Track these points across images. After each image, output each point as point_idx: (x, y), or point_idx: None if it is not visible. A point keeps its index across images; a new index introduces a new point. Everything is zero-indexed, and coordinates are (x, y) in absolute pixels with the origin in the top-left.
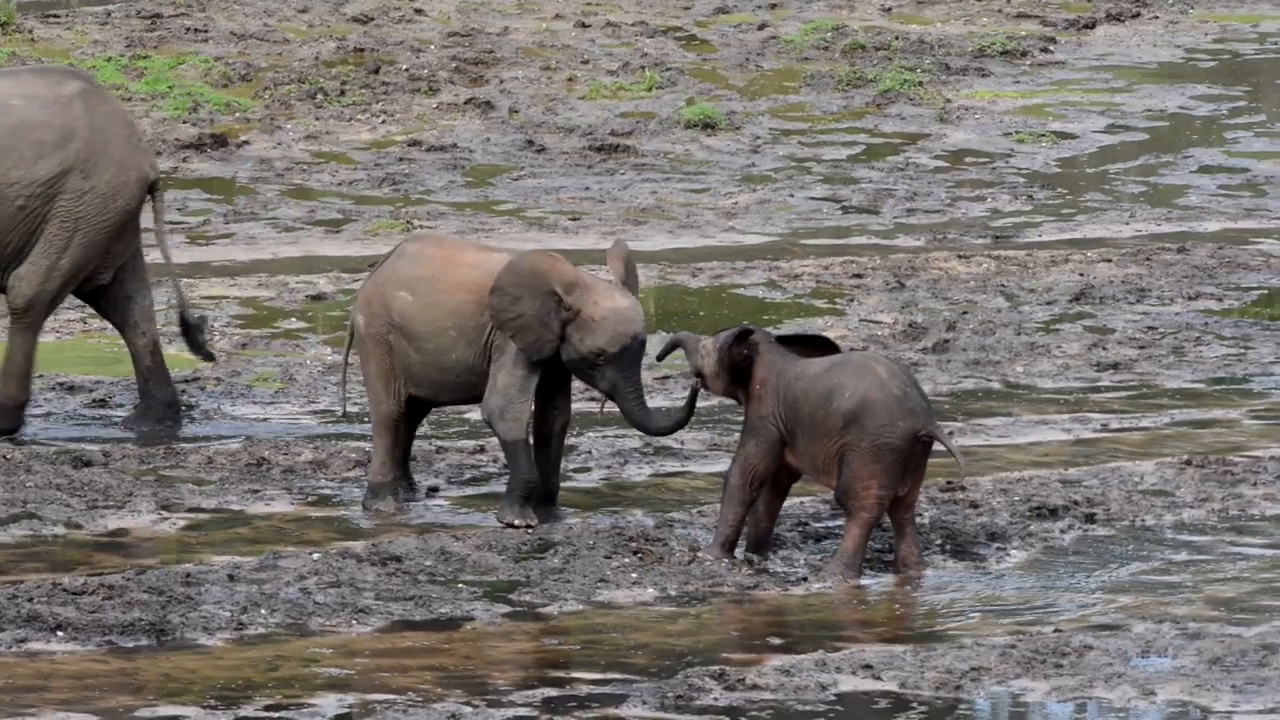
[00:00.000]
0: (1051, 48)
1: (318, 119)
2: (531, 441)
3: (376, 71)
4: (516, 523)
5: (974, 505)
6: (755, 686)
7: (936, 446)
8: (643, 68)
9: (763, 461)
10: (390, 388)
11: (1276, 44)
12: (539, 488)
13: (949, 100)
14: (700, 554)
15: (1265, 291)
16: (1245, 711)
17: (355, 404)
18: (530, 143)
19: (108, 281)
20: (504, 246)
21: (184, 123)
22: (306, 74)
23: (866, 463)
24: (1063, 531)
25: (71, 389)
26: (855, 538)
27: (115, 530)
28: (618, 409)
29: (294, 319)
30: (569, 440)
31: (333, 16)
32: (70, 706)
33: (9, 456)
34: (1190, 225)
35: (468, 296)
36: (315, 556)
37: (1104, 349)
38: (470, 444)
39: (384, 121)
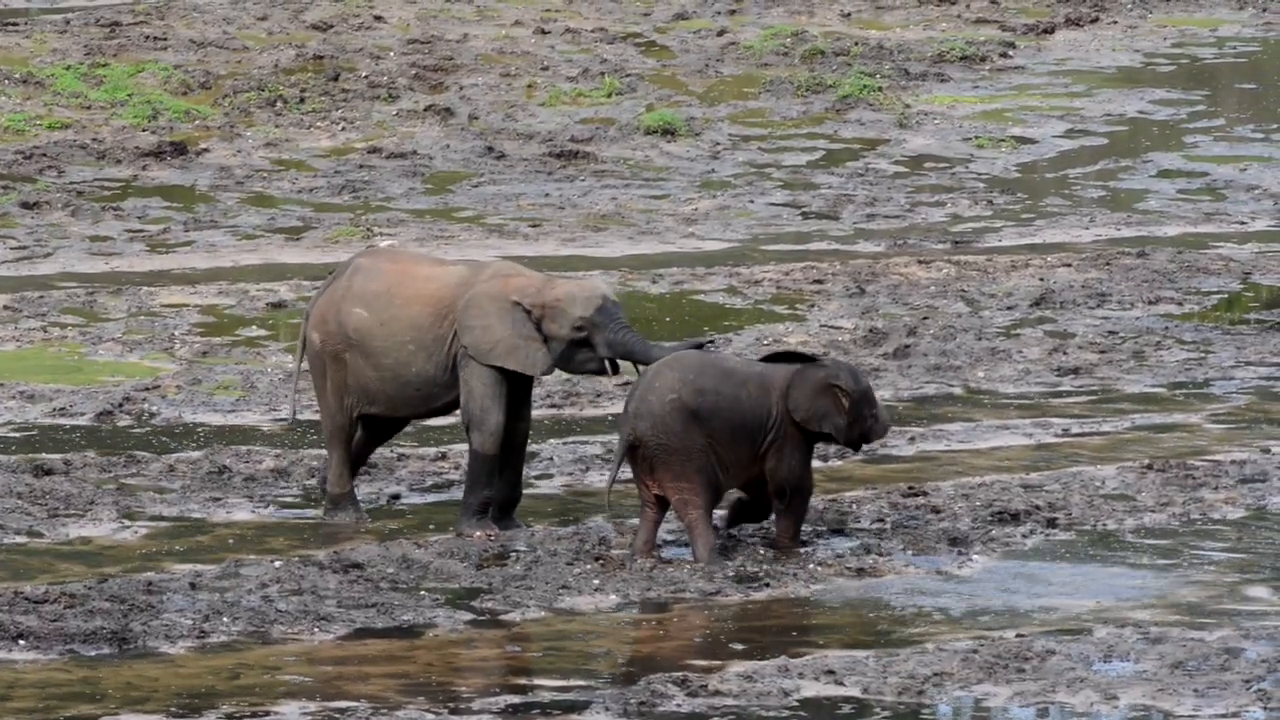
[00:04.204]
0: (1011, 53)
1: (277, 126)
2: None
3: (336, 79)
4: (478, 534)
5: (935, 510)
6: (718, 692)
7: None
8: (602, 74)
9: None
10: (343, 402)
11: (1235, 48)
12: (494, 501)
13: (908, 105)
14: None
15: (1225, 295)
16: (1207, 715)
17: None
18: (490, 149)
19: None
20: (457, 260)
21: (143, 130)
22: (266, 81)
23: None
24: (1024, 536)
25: (32, 398)
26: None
27: (76, 539)
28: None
29: (255, 326)
30: (530, 447)
31: (292, 24)
32: (33, 715)
33: None
34: (1150, 229)
35: (424, 309)
36: (277, 564)
37: (1064, 353)
38: (432, 451)
39: (344, 129)
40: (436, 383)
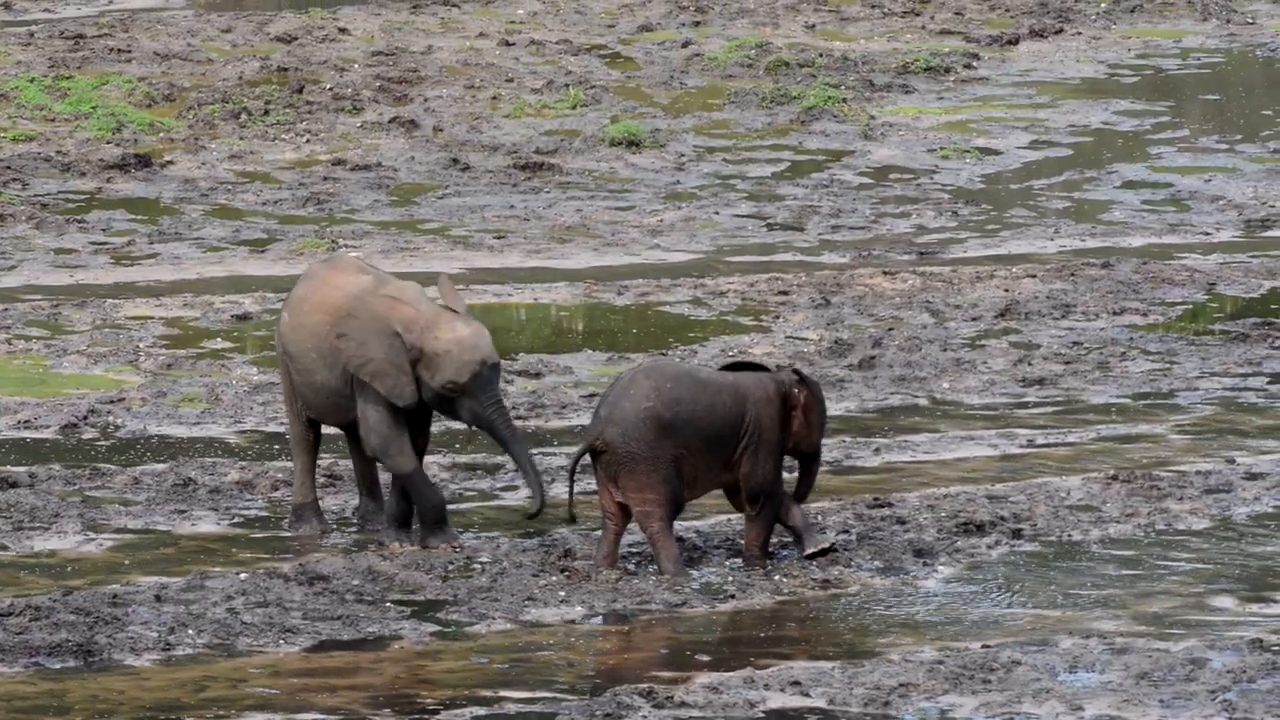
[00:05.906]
0: (975, 64)
1: (242, 138)
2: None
3: (300, 91)
4: (443, 545)
5: (901, 521)
6: (684, 704)
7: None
8: (567, 86)
9: None
10: (295, 407)
11: (1198, 59)
12: (391, 513)
13: (873, 117)
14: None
15: (1189, 306)
16: None
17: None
18: (455, 161)
19: None
20: (384, 272)
21: (108, 143)
22: (230, 93)
23: None
24: (990, 547)
25: None
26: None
27: (42, 551)
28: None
29: (220, 339)
30: (495, 459)
31: (256, 36)
32: None
33: None
34: (1115, 240)
35: (324, 318)
36: (242, 577)
37: (1029, 364)
38: None
39: (308, 141)
40: (341, 394)
